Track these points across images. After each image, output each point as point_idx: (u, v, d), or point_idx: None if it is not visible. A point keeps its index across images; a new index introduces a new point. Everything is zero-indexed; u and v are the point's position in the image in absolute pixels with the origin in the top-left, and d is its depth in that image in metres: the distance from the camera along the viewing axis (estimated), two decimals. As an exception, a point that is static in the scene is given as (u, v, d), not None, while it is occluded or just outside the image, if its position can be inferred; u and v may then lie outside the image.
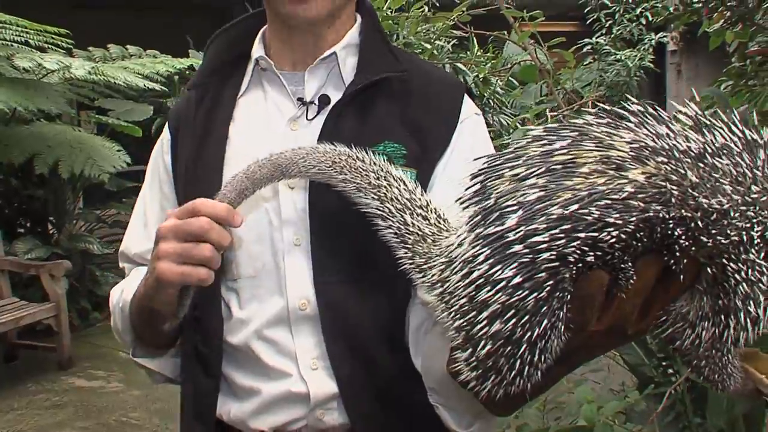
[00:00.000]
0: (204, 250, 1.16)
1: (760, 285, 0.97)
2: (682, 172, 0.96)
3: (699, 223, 0.96)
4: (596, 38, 9.66)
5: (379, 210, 1.20)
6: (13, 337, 6.48)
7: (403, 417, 1.36)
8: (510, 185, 1.01)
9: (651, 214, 0.96)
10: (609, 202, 0.96)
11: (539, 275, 0.98)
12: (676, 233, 0.97)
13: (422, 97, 1.40)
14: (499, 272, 0.99)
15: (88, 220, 8.14)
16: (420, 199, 1.20)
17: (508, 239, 0.98)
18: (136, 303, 1.35)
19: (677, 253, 0.99)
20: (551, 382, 1.14)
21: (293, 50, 1.43)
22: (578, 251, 0.97)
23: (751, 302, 0.98)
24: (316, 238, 1.34)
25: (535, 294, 0.98)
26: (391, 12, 3.94)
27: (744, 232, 0.96)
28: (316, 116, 1.39)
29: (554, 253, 0.97)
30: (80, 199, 8.25)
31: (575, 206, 0.96)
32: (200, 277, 1.18)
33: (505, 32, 3.90)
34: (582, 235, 0.96)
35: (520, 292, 0.99)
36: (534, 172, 1.00)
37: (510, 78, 5.28)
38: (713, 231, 0.96)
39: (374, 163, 1.21)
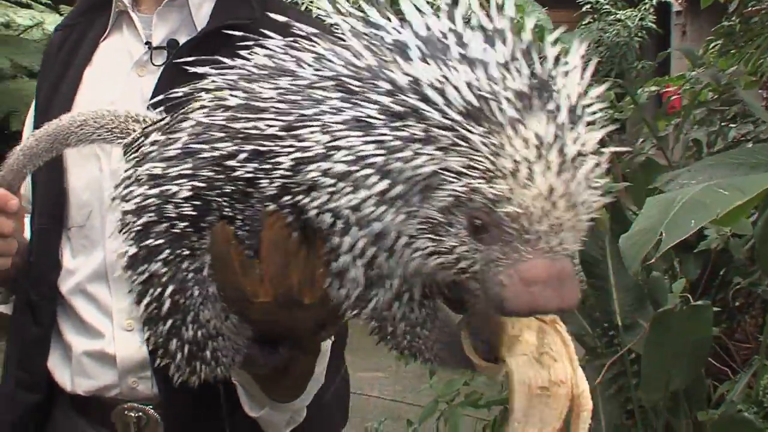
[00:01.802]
0: None
1: (357, 213, 0.76)
2: (228, 98, 0.86)
3: (261, 150, 0.83)
4: (596, -3, 9.45)
5: None
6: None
7: (216, 393, 1.25)
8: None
9: (214, 154, 0.87)
10: (177, 152, 0.90)
11: (148, 242, 0.93)
12: (248, 170, 0.85)
13: None
14: (126, 249, 0.96)
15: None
16: None
17: (123, 209, 0.95)
18: None
19: (263, 194, 0.85)
20: (300, 368, 1.09)
21: None
22: (171, 206, 0.91)
23: (348, 237, 0.79)
24: None
25: (156, 262, 0.93)
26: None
27: (300, 152, 0.79)
28: (166, 62, 1.31)
29: (152, 213, 0.92)
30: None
31: (148, 164, 0.93)
32: None
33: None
34: (156, 191, 0.91)
35: (142, 265, 0.94)
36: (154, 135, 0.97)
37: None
38: (273, 159, 0.82)
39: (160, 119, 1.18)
